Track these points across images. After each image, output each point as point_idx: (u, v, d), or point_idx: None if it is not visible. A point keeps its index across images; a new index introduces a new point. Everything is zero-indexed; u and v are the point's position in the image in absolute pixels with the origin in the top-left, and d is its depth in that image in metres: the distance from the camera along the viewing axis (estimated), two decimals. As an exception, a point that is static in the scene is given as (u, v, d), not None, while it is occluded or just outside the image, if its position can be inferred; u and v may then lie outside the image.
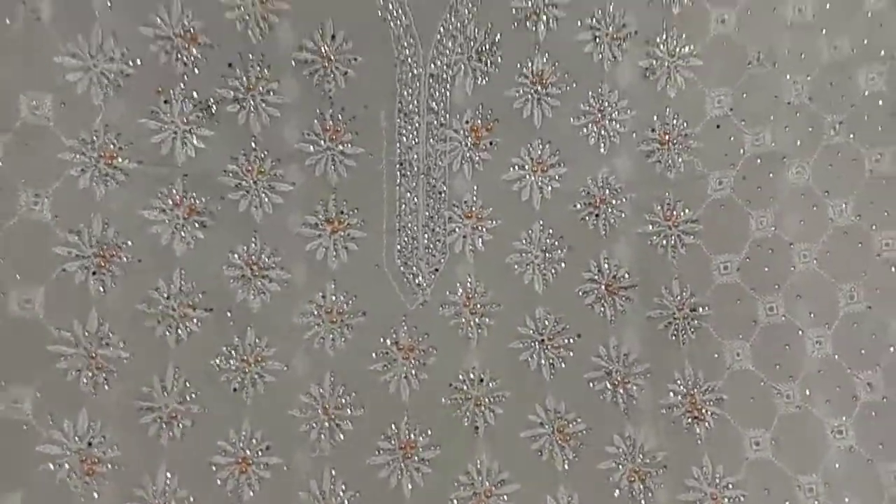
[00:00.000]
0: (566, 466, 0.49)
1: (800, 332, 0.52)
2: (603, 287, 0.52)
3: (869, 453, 0.51)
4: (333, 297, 0.49)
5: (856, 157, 0.52)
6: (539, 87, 0.51)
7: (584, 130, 0.52)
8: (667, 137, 0.52)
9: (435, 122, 0.50)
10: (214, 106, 0.47)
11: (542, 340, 0.51)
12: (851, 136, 0.52)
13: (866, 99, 0.52)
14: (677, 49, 0.52)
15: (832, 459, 0.51)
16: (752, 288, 0.52)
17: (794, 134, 0.52)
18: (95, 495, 0.45)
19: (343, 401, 0.48)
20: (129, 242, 0.47)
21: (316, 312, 0.49)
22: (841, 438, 0.51)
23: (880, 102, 0.52)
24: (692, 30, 0.52)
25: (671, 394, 0.51)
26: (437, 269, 0.50)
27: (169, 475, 0.46)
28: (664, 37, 0.52)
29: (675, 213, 0.52)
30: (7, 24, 0.44)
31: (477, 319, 0.50)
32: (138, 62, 0.46)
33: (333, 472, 0.47)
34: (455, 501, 0.48)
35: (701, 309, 0.52)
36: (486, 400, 0.50)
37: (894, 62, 0.51)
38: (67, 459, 0.45)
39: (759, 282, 0.52)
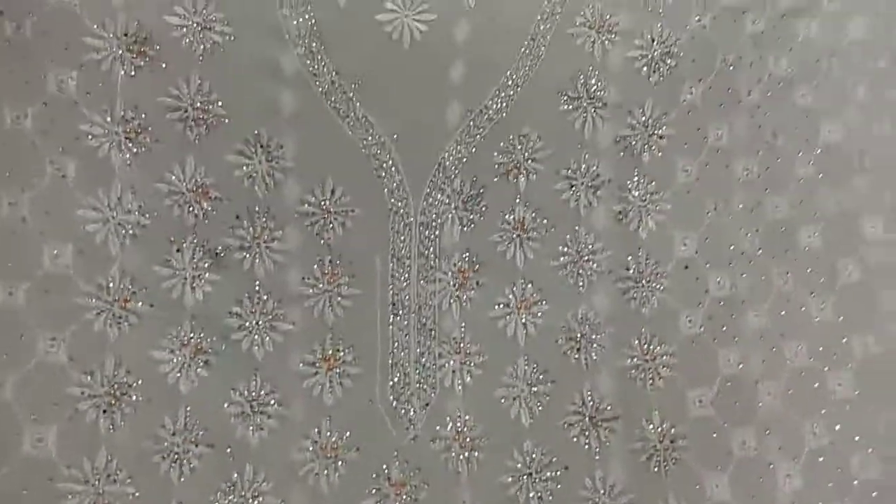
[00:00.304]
0: None
1: (770, 466, 0.53)
2: (587, 419, 0.53)
3: None
4: (328, 433, 0.50)
5: (803, 304, 0.55)
6: (521, 232, 0.54)
7: (564, 270, 0.54)
8: (640, 276, 0.55)
9: (425, 265, 0.53)
10: (222, 253, 0.50)
11: (531, 474, 0.52)
12: (797, 285, 0.56)
13: (807, 254, 0.56)
14: (647, 195, 0.55)
15: None
16: (724, 422, 0.53)
17: (750, 281, 0.56)
18: None
19: None
20: (139, 381, 0.48)
21: (311, 448, 0.50)
22: None
23: (818, 258, 0.56)
24: (661, 178, 0.56)
25: None
26: (427, 404, 0.52)
27: None
28: (635, 184, 0.55)
29: (651, 347, 0.55)
30: (35, 181, 0.48)
31: (467, 453, 0.52)
32: (154, 214, 0.49)
33: None
34: None
35: (680, 441, 0.53)
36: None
37: (827, 223, 0.55)
38: None
39: (731, 416, 0.54)
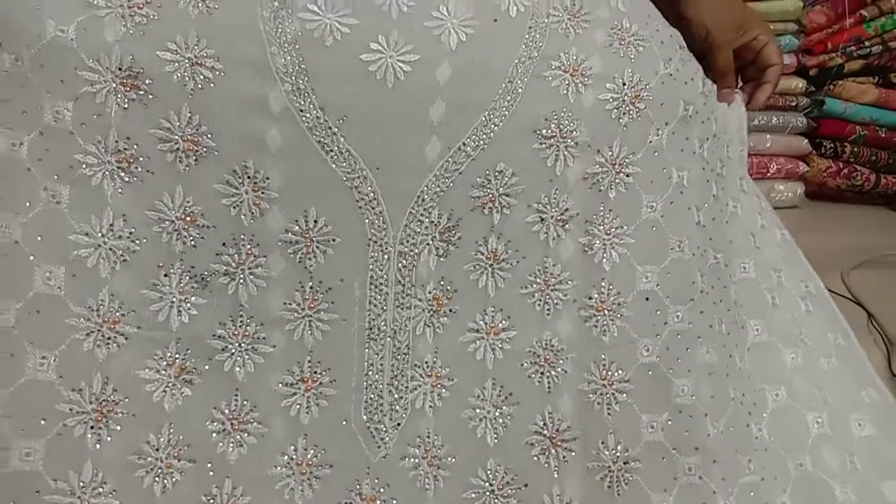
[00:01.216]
0: None
1: (714, 493, 0.54)
2: (548, 439, 0.54)
3: None
4: (304, 451, 0.51)
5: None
6: (493, 263, 0.54)
7: (531, 298, 0.55)
8: (602, 305, 0.55)
9: (402, 292, 0.53)
10: (209, 279, 0.50)
11: (493, 490, 0.52)
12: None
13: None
14: (613, 229, 0.56)
15: None
16: (674, 448, 0.54)
17: (706, 319, 0.56)
18: None
19: None
20: (125, 399, 0.48)
21: (288, 464, 0.50)
22: None
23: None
24: (626, 213, 0.56)
25: None
26: (399, 424, 0.52)
27: None
28: (601, 218, 0.55)
29: (609, 373, 0.55)
30: (28, 206, 0.47)
31: (434, 471, 0.52)
32: (144, 241, 0.49)
33: None
34: None
35: (633, 463, 0.54)
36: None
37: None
38: None
39: (680, 443, 0.54)
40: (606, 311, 0.55)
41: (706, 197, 0.59)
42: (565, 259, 0.55)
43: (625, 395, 0.55)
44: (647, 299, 0.56)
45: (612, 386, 0.55)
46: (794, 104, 1.43)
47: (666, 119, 0.56)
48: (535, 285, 0.55)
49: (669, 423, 0.54)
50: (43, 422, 0.46)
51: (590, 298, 0.55)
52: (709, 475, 0.54)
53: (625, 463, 0.54)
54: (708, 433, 0.55)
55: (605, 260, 0.55)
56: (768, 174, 1.57)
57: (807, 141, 1.46)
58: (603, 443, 0.54)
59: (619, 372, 0.55)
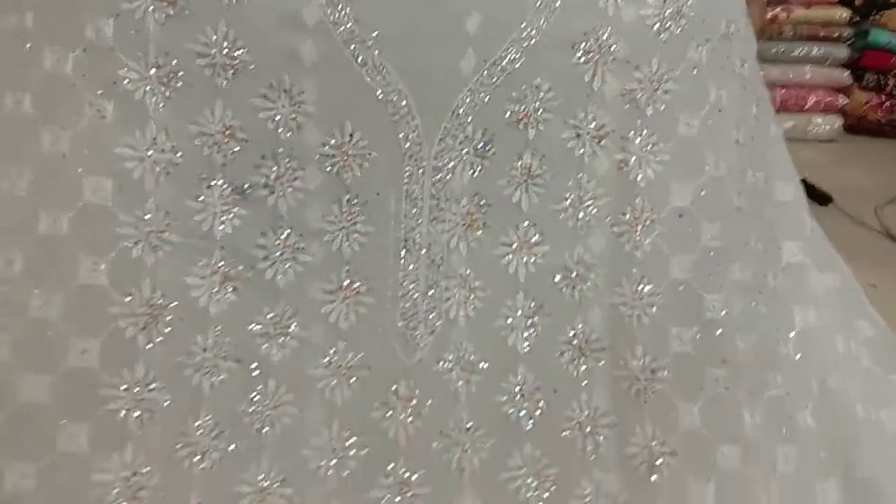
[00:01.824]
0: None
1: (739, 404, 0.52)
2: (577, 349, 0.52)
3: None
4: (344, 354, 0.50)
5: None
6: (527, 178, 0.51)
7: (565, 214, 0.52)
8: (636, 221, 0.53)
9: (436, 206, 0.51)
10: (249, 190, 0.48)
11: (523, 395, 0.51)
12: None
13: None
14: (648, 145, 0.52)
15: None
16: (702, 360, 0.52)
17: (741, 237, 0.53)
18: None
19: (348, 443, 0.49)
20: (173, 303, 0.48)
21: (328, 366, 0.50)
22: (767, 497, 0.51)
23: None
24: (663, 129, 0.52)
25: (632, 445, 0.51)
26: (433, 331, 0.51)
27: (198, 501, 0.46)
28: (637, 134, 0.52)
29: (640, 287, 0.52)
30: (75, 120, 0.46)
31: (467, 376, 0.51)
32: (186, 153, 0.47)
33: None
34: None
35: (660, 373, 0.52)
36: (472, 446, 0.50)
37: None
38: (117, 485, 0.45)
39: (709, 356, 0.52)
40: (640, 228, 0.53)
41: (746, 116, 0.55)
42: (600, 175, 0.52)
43: (655, 308, 0.52)
44: (680, 216, 0.53)
45: (642, 300, 0.52)
46: (836, 35, 1.33)
47: (707, 36, 0.51)
48: (568, 201, 0.52)
49: (698, 336, 0.52)
50: (97, 323, 0.46)
51: (623, 215, 0.52)
52: (735, 387, 0.52)
53: (652, 372, 0.52)
54: (737, 347, 0.52)
55: (639, 176, 0.52)
56: (806, 107, 1.49)
57: (848, 73, 1.37)
58: (631, 353, 0.52)
59: (650, 286, 0.52)
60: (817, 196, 1.24)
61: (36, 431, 0.44)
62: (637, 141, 0.52)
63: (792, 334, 0.56)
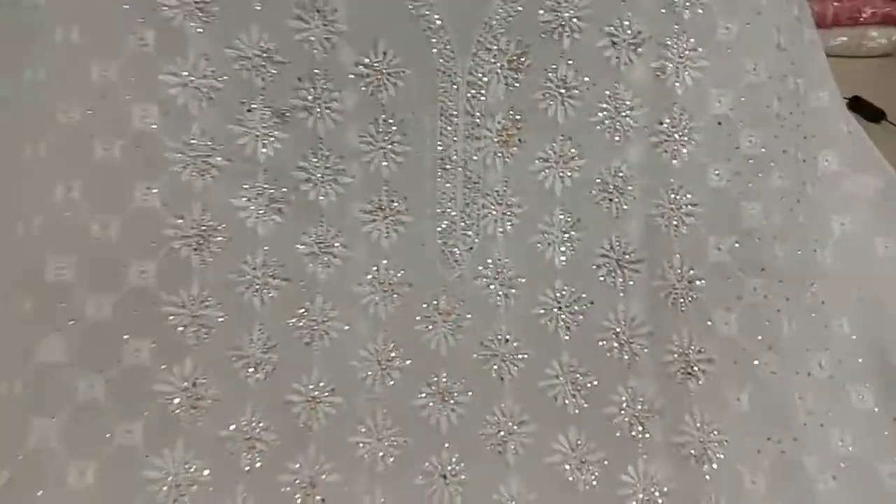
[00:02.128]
0: (577, 411, 0.49)
1: (777, 312, 0.50)
2: (614, 261, 0.51)
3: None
4: (386, 271, 0.50)
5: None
6: (563, 90, 0.49)
7: (601, 126, 0.50)
8: (673, 130, 0.50)
9: (471, 123, 0.49)
10: (288, 114, 0.48)
11: (560, 307, 0.51)
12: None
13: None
14: (686, 51, 0.50)
15: (799, 420, 0.49)
16: (740, 269, 0.50)
17: (781, 145, 0.50)
18: (199, 424, 0.47)
19: (393, 354, 0.50)
20: (223, 225, 0.48)
21: (371, 283, 0.50)
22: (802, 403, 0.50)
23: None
24: (701, 35, 0.50)
25: (669, 353, 0.50)
26: (471, 248, 0.51)
27: (253, 410, 0.48)
28: (675, 40, 0.49)
29: (678, 197, 0.51)
30: (119, 49, 0.46)
31: (505, 290, 0.51)
32: (225, 78, 0.47)
33: (385, 411, 0.49)
34: (483, 436, 0.49)
35: (697, 282, 0.50)
36: (511, 357, 0.50)
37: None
38: (177, 396, 0.47)
39: (746, 263, 0.50)
40: (677, 136, 0.50)
41: (787, 18, 0.51)
42: (637, 84, 0.50)
43: (693, 217, 0.50)
44: (719, 123, 0.50)
45: (680, 210, 0.51)
46: (894, -61, 1.22)
47: None
48: (604, 112, 0.50)
49: (737, 245, 0.50)
50: (153, 244, 0.47)
51: (661, 124, 0.50)
52: (773, 295, 0.50)
53: (689, 282, 0.50)
54: (776, 256, 0.50)
55: (677, 84, 0.50)
56: (861, 19, 1.38)
57: (907, -21, 1.26)
58: (669, 263, 0.51)
59: (688, 196, 0.50)
60: (870, 112, 1.17)
61: (102, 346, 0.46)
62: (674, 47, 0.49)
63: (830, 242, 0.54)
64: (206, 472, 0.46)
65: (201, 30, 0.46)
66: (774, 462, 0.48)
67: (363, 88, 0.48)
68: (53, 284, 0.46)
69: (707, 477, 0.47)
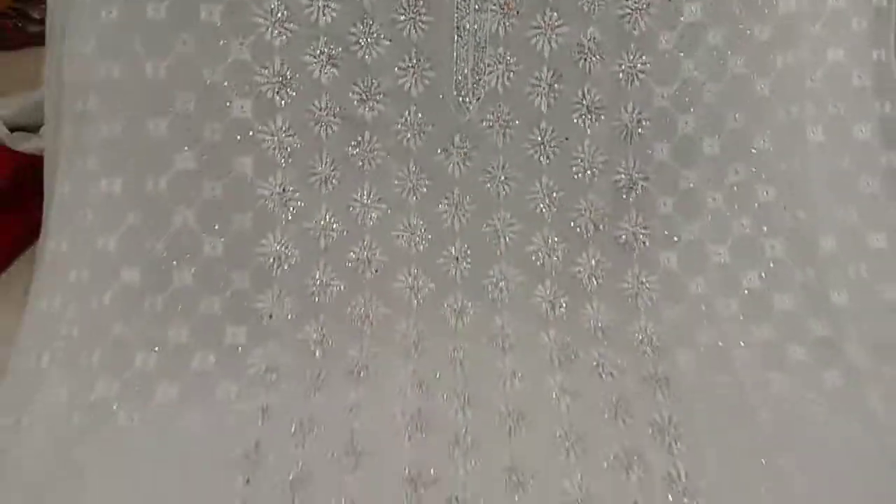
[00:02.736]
0: (549, 216, 0.63)
1: (701, 139, 0.63)
2: (585, 107, 0.62)
3: None
4: (415, 115, 0.62)
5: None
6: (551, -26, 0.60)
7: (581, 1, 0.60)
8: (636, 6, 0.60)
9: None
10: (343, -11, 0.59)
11: (543, 144, 0.63)
12: None
13: None
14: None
15: None
16: (675, 109, 0.62)
17: (720, 9, 0.61)
18: (289, 218, 0.62)
19: (419, 178, 0.63)
20: (297, 75, 0.61)
21: (405, 123, 0.63)
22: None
23: None
24: None
25: (618, 174, 0.64)
26: (479, 98, 0.62)
27: (326, 209, 0.63)
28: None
29: (634, 58, 0.61)
30: None
31: (503, 130, 0.62)
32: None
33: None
34: (484, 232, 0.64)
35: (644, 122, 0.62)
36: (505, 179, 0.64)
37: None
38: (273, 198, 0.61)
39: (681, 106, 0.62)
40: (638, 11, 0.61)
41: None
42: None
43: (644, 74, 0.61)
44: (669, 0, 0.61)
45: (635, 68, 0.60)
46: None
47: None
48: None
49: (676, 93, 0.62)
50: (247, 87, 0.60)
51: (626, 0, 0.61)
52: (701, 126, 0.62)
53: (637, 122, 0.62)
54: (704, 94, 0.62)
55: None
56: None
57: None
58: (624, 108, 0.62)
59: (643, 58, 0.61)
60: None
61: (218, 159, 0.61)
62: None
63: (772, 75, 0.62)
64: (297, 251, 0.62)
65: None
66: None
67: None
68: (180, 112, 0.60)
69: (634, 260, 0.63)
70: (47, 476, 0.52)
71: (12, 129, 0.83)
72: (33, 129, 0.82)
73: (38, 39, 0.65)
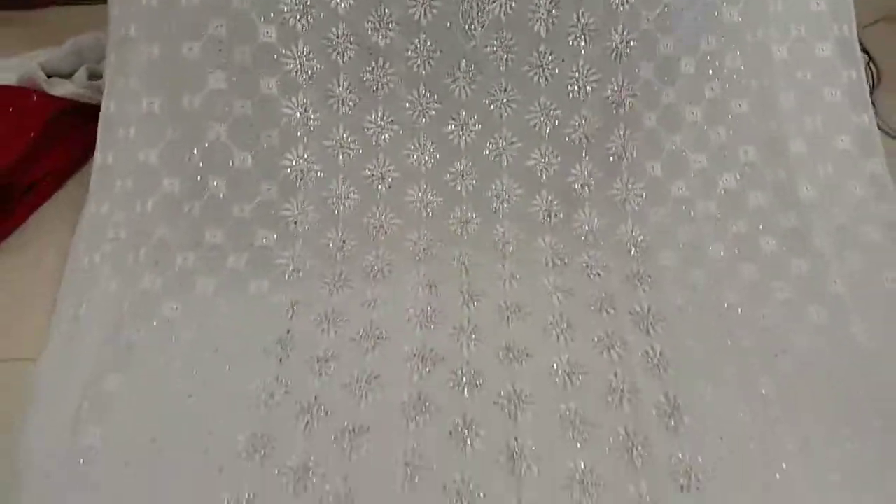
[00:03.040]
0: (546, 133, 0.68)
1: (678, 59, 0.67)
2: (579, 29, 0.66)
3: None
4: (424, 42, 0.66)
5: None
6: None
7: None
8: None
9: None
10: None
11: (542, 65, 0.66)
12: None
13: None
14: None
15: None
16: (658, 31, 0.66)
17: None
18: (311, 134, 0.67)
19: (428, 101, 0.68)
20: (317, 6, 0.65)
21: (415, 50, 0.67)
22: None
23: None
24: None
25: (609, 91, 0.68)
26: (483, 25, 0.66)
27: (343, 128, 0.68)
28: None
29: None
30: None
31: (504, 55, 0.66)
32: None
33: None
34: (487, 153, 0.69)
35: (632, 42, 0.66)
36: (508, 100, 0.68)
37: None
38: (296, 116, 0.66)
39: (663, 29, 0.66)
40: None
41: None
42: None
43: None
44: None
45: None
46: None
47: None
48: None
49: (658, 17, 0.65)
50: (272, 14, 0.64)
51: None
52: (678, 49, 0.66)
53: (626, 43, 0.65)
54: (682, 20, 0.65)
55: None
56: None
57: None
58: (614, 30, 0.65)
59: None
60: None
61: (247, 79, 0.65)
62: None
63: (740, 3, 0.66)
64: (318, 166, 0.67)
65: None
66: None
67: None
68: (212, 36, 0.64)
69: (623, 169, 0.67)
70: (100, 353, 0.58)
71: (49, 76, 0.88)
72: (67, 75, 0.86)
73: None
